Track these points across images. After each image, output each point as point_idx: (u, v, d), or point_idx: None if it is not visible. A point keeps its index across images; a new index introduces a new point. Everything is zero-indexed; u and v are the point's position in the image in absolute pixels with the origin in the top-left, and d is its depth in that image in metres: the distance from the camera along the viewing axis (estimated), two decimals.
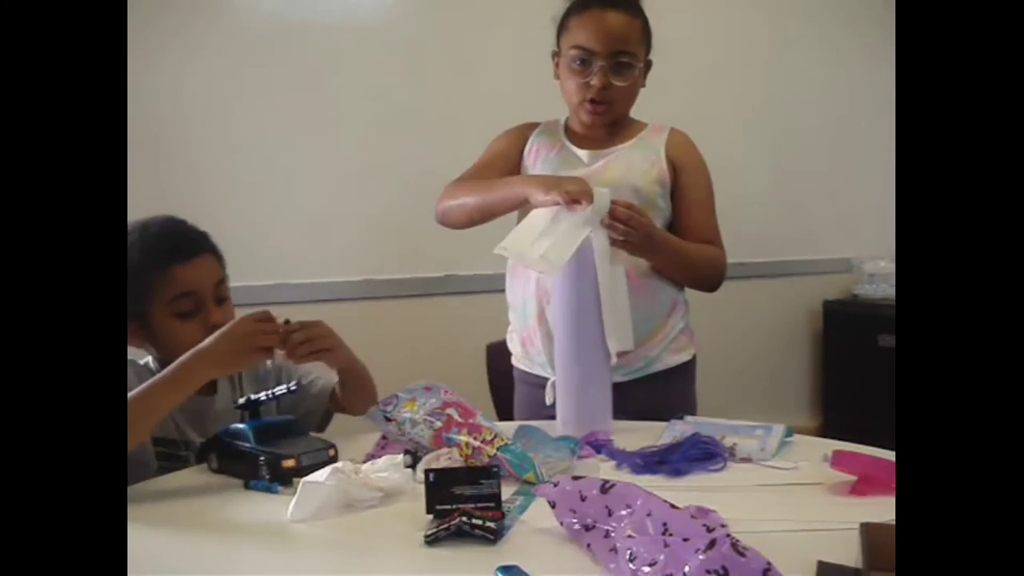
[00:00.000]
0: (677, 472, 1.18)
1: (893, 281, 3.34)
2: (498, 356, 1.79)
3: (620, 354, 1.41)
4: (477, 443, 1.17)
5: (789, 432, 1.33)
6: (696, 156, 1.63)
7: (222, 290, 1.41)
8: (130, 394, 1.21)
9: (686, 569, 0.76)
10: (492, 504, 0.98)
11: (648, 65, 1.59)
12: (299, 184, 2.73)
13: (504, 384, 1.76)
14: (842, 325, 3.45)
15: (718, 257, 1.61)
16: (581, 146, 1.62)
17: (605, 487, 0.92)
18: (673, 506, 0.86)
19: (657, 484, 1.10)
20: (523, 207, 1.51)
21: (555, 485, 0.95)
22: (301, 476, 1.08)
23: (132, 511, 0.91)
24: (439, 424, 1.23)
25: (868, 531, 0.83)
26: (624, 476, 1.17)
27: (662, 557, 0.79)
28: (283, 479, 1.16)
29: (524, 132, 1.68)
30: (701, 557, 0.76)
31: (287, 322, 1.29)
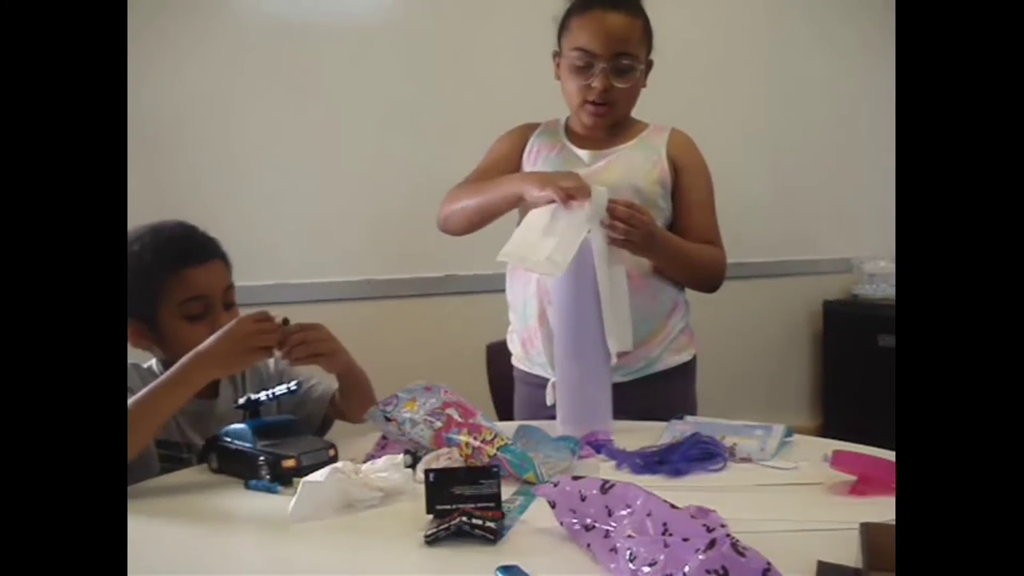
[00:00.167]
0: (677, 472, 1.18)
1: (893, 281, 3.34)
2: (498, 356, 1.79)
3: (620, 354, 1.41)
4: (477, 443, 1.17)
5: (789, 432, 1.33)
6: (697, 156, 1.63)
7: (229, 295, 1.42)
8: (133, 398, 1.22)
9: (686, 569, 0.76)
10: (492, 504, 0.98)
11: (649, 65, 1.59)
12: (299, 184, 2.73)
13: (504, 384, 1.76)
14: (842, 325, 3.45)
15: (718, 257, 1.61)
16: (582, 146, 1.62)
17: (605, 487, 0.92)
18: (673, 506, 0.86)
19: (657, 484, 1.10)
20: (520, 205, 1.51)
21: (555, 485, 0.95)
22: (301, 476, 1.07)
23: (132, 510, 0.91)
24: (439, 424, 1.23)
25: (868, 531, 0.83)
26: (624, 476, 1.17)
27: (662, 557, 0.79)
28: (283, 479, 1.16)
29: (524, 133, 1.68)
30: (701, 557, 0.76)
31: (286, 322, 1.30)
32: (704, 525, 0.81)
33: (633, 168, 1.57)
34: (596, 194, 1.38)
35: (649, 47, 1.58)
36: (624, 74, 1.52)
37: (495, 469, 1.01)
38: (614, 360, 1.41)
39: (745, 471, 1.20)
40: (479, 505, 0.97)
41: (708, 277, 1.61)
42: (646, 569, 0.79)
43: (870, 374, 3.19)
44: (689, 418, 1.43)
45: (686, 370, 1.63)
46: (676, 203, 1.60)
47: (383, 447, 1.30)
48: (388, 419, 1.27)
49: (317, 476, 1.06)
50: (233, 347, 1.24)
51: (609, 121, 1.58)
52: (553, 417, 1.44)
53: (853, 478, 1.09)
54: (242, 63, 2.65)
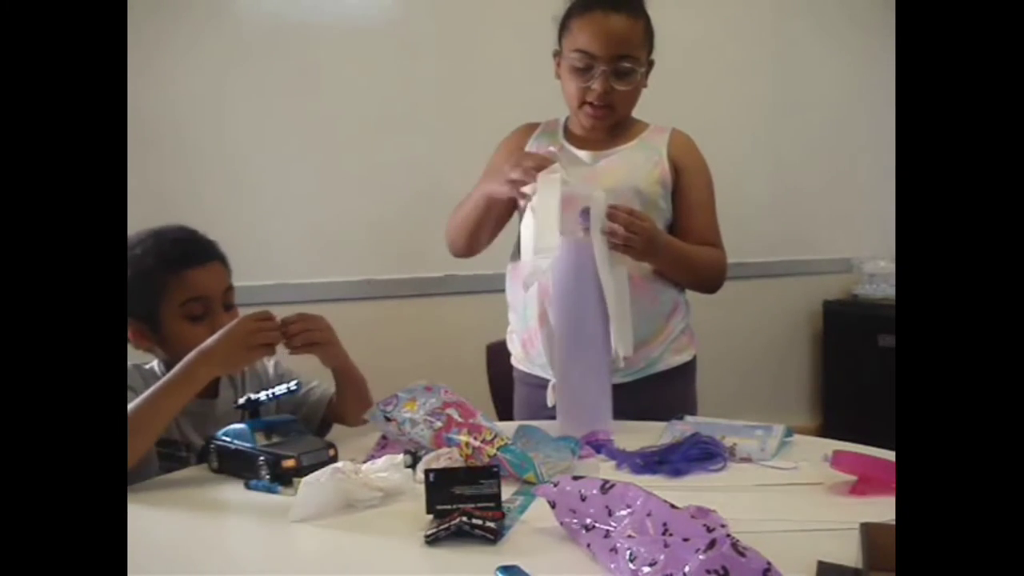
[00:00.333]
0: (677, 472, 1.18)
1: (893, 281, 3.34)
2: (498, 356, 1.79)
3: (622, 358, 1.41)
4: (477, 443, 1.17)
5: (789, 432, 1.33)
6: (698, 157, 1.62)
7: (229, 296, 1.44)
8: (137, 399, 1.23)
9: (686, 569, 0.76)
10: (492, 504, 0.98)
11: (650, 65, 1.58)
12: (299, 185, 2.73)
13: (504, 384, 1.76)
14: (842, 325, 3.45)
15: (719, 259, 1.61)
16: (582, 147, 1.61)
17: (605, 487, 0.92)
18: (673, 506, 0.86)
19: (657, 484, 1.10)
20: (494, 208, 1.52)
21: (555, 485, 0.95)
22: (301, 476, 1.07)
23: (132, 510, 0.91)
24: (439, 424, 1.23)
25: (868, 531, 0.83)
26: (624, 476, 1.17)
27: (662, 557, 0.79)
28: (283, 479, 1.16)
29: (522, 138, 1.67)
30: (701, 557, 0.76)
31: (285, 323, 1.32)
32: (704, 525, 0.81)
33: (634, 169, 1.56)
34: (595, 200, 1.37)
35: (650, 48, 1.57)
36: (624, 76, 1.51)
37: (495, 469, 1.01)
38: (621, 364, 1.41)
39: (745, 471, 1.20)
40: (479, 505, 0.97)
41: (709, 279, 1.61)
42: (646, 569, 0.79)
43: (870, 374, 3.19)
44: (689, 418, 1.43)
45: (686, 370, 1.63)
46: (677, 204, 1.59)
47: (383, 447, 1.30)
48: (388, 419, 1.27)
49: (317, 476, 1.06)
50: (235, 345, 1.26)
51: (609, 123, 1.58)
52: (553, 417, 1.44)
53: (853, 478, 1.09)
54: (241, 63, 2.65)
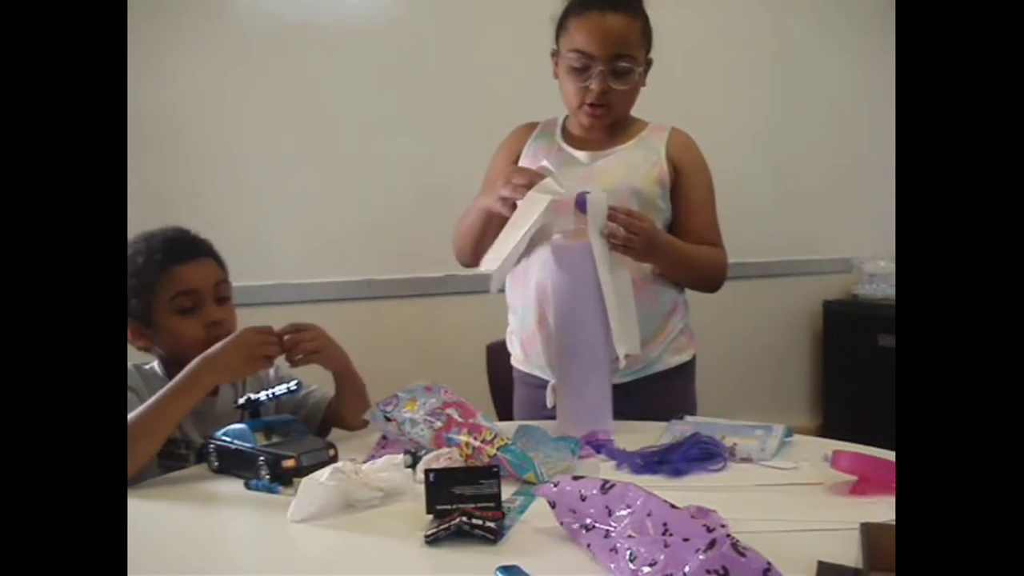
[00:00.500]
0: (677, 472, 1.18)
1: (893, 281, 3.34)
2: (498, 356, 1.79)
3: (626, 357, 1.41)
4: (477, 443, 1.17)
5: (789, 432, 1.33)
6: (697, 156, 1.62)
7: (222, 289, 1.46)
8: (142, 406, 1.26)
9: (686, 569, 0.76)
10: (492, 504, 0.98)
11: (648, 64, 1.57)
12: (299, 184, 2.73)
13: (504, 384, 1.76)
14: (842, 325, 3.45)
15: (719, 258, 1.60)
16: (580, 147, 1.60)
17: (605, 487, 0.92)
18: (673, 506, 0.86)
19: (657, 484, 1.10)
20: (494, 220, 1.53)
21: (555, 485, 0.95)
22: (301, 476, 1.08)
23: (132, 510, 0.91)
24: (439, 424, 1.23)
25: (868, 531, 0.83)
26: (624, 476, 1.17)
27: (662, 557, 0.79)
28: (283, 479, 1.16)
29: (520, 140, 1.66)
30: (701, 557, 0.76)
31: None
32: (704, 525, 0.81)
33: (632, 169, 1.56)
34: (595, 201, 1.37)
35: (648, 47, 1.56)
36: (622, 76, 1.51)
37: (495, 469, 1.01)
38: (622, 364, 1.41)
39: (745, 471, 1.20)
40: (479, 505, 0.97)
41: (709, 278, 1.61)
42: (646, 569, 0.79)
43: (870, 374, 3.18)
44: (689, 418, 1.43)
45: (685, 370, 1.63)
46: (676, 204, 1.59)
47: (383, 447, 1.30)
48: (388, 419, 1.27)
49: (317, 476, 1.06)
50: (238, 354, 1.30)
51: (607, 122, 1.57)
52: (553, 417, 1.44)
53: (853, 478, 1.09)
54: (241, 63, 2.65)
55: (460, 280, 2.80)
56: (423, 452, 1.20)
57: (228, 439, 1.24)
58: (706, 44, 3.16)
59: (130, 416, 1.23)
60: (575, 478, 0.96)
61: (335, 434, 1.47)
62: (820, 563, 0.84)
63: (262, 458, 1.19)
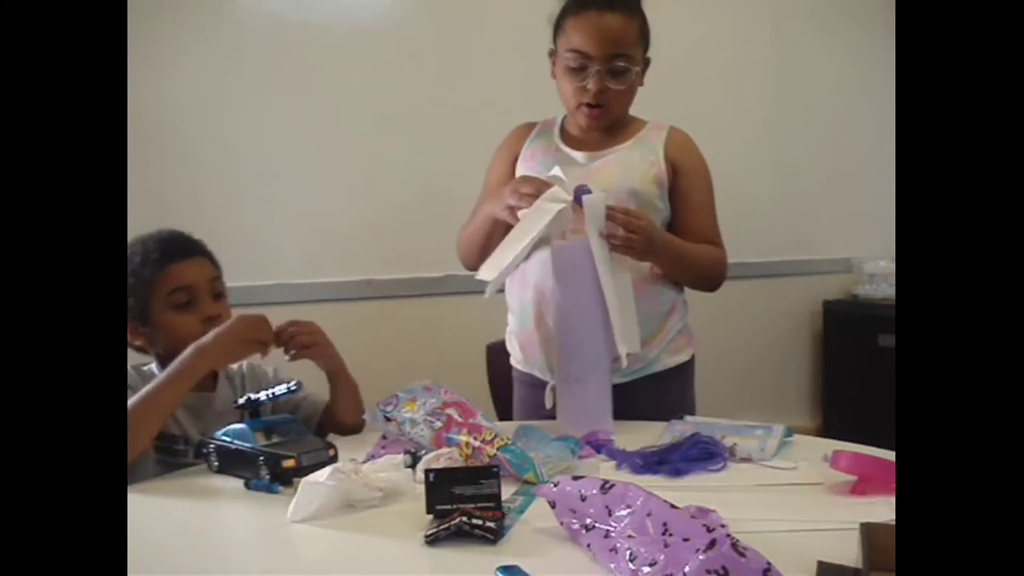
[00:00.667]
0: (677, 472, 1.18)
1: (893, 281, 3.34)
2: (498, 356, 1.79)
3: (626, 356, 1.41)
4: (477, 443, 1.17)
5: (789, 432, 1.33)
6: (696, 156, 1.61)
7: (217, 286, 1.48)
8: (136, 395, 1.27)
9: (686, 569, 0.76)
10: (492, 504, 0.98)
11: (646, 63, 1.57)
12: (299, 184, 2.73)
13: (504, 384, 1.76)
14: (842, 325, 3.45)
15: (719, 257, 1.60)
16: (577, 148, 1.60)
17: (605, 487, 0.92)
18: (673, 506, 0.86)
19: (657, 484, 1.10)
20: (500, 227, 1.53)
21: (555, 485, 0.95)
22: (301, 476, 1.08)
23: (132, 510, 0.91)
24: (439, 424, 1.23)
25: (868, 531, 0.83)
26: (624, 476, 1.17)
27: (662, 557, 0.79)
28: (283, 479, 1.16)
29: (519, 139, 1.66)
30: (701, 557, 0.76)
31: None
32: (704, 525, 0.81)
33: (629, 169, 1.55)
34: (593, 202, 1.37)
35: (646, 46, 1.56)
36: (620, 76, 1.50)
37: (495, 469, 1.01)
38: (624, 363, 1.41)
39: (745, 471, 1.20)
40: (479, 505, 0.97)
41: (709, 277, 1.61)
42: (646, 569, 0.79)
43: (870, 374, 3.18)
44: (689, 418, 1.43)
45: (684, 370, 1.63)
46: (675, 204, 1.59)
47: (383, 447, 1.30)
48: (388, 419, 1.27)
49: (317, 476, 1.06)
50: (230, 339, 1.33)
51: (605, 122, 1.57)
52: (553, 417, 1.44)
53: (853, 478, 1.09)
54: (241, 63, 2.65)
55: (460, 280, 2.79)
56: (423, 452, 1.20)
57: (228, 439, 1.24)
58: (706, 44, 3.16)
59: None
60: (575, 478, 0.96)
61: (334, 434, 1.47)
62: (820, 563, 0.84)
63: (262, 458, 1.19)
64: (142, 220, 1.41)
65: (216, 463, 1.26)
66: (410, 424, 1.25)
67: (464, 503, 0.97)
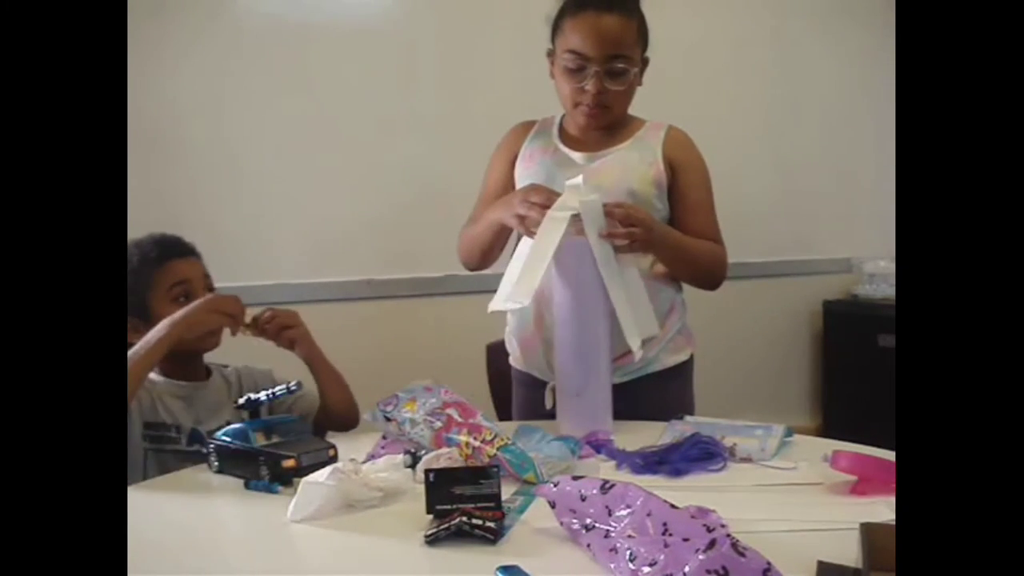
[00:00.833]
0: (677, 472, 1.18)
1: (893, 281, 3.34)
2: (498, 356, 1.79)
3: (625, 355, 1.41)
4: (477, 443, 1.17)
5: (789, 432, 1.33)
6: (695, 155, 1.61)
7: (209, 283, 1.55)
8: None
9: (686, 569, 0.76)
10: (492, 504, 0.98)
11: (645, 63, 1.56)
12: (299, 184, 2.73)
13: (504, 384, 1.76)
14: (842, 325, 3.45)
15: (720, 254, 1.59)
16: (576, 148, 1.60)
17: (605, 487, 0.92)
18: (673, 506, 0.86)
19: (657, 484, 1.10)
20: (505, 232, 1.53)
21: (555, 485, 0.95)
22: (301, 476, 1.08)
23: (132, 510, 0.91)
24: (439, 424, 1.23)
25: (868, 531, 0.83)
26: (624, 476, 1.17)
27: (662, 557, 0.79)
28: (283, 479, 1.16)
29: (518, 138, 1.66)
30: (701, 557, 0.76)
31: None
32: (704, 525, 0.81)
33: (628, 170, 1.55)
34: (590, 204, 1.37)
35: (644, 46, 1.55)
36: (618, 76, 1.50)
37: (495, 469, 1.01)
38: (637, 355, 1.42)
39: (745, 471, 1.20)
40: (479, 505, 0.97)
41: (710, 273, 1.60)
42: (646, 569, 0.79)
43: (870, 374, 3.18)
44: (689, 418, 1.43)
45: (683, 370, 1.63)
46: (675, 203, 1.58)
47: (383, 447, 1.30)
48: (388, 419, 1.27)
49: (317, 476, 1.06)
50: (198, 308, 1.39)
51: (604, 123, 1.56)
52: (553, 417, 1.44)
53: (853, 478, 1.09)
54: (241, 63, 2.65)
55: (460, 280, 2.80)
56: (423, 452, 1.20)
57: (228, 439, 1.24)
58: (706, 44, 3.16)
59: None
60: (575, 478, 0.96)
61: (334, 434, 1.47)
62: (820, 563, 0.84)
63: (262, 458, 1.19)
64: (142, 220, 1.41)
65: (216, 463, 1.26)
66: (410, 424, 1.25)
67: (464, 503, 0.97)
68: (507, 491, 1.06)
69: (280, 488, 1.15)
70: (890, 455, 1.13)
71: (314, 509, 1.04)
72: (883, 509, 0.98)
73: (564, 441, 1.25)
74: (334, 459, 1.20)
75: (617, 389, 1.44)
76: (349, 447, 1.27)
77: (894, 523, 0.72)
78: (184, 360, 1.47)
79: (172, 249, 1.53)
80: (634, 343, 1.40)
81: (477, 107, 2.75)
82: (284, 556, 0.98)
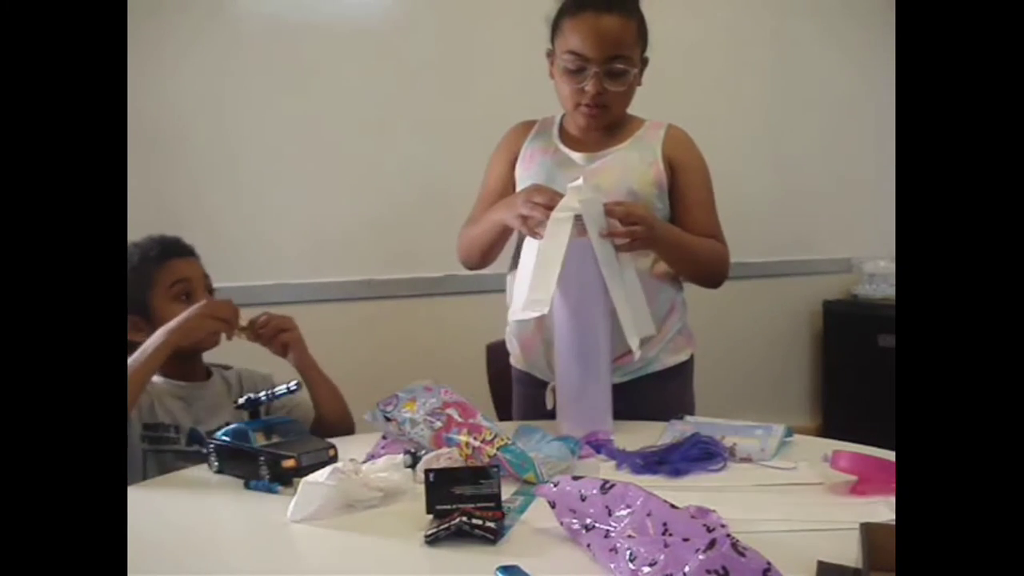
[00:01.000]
0: (677, 472, 1.18)
1: (893, 281, 3.34)
2: (498, 356, 1.79)
3: (625, 354, 1.41)
4: (477, 443, 1.17)
5: (789, 432, 1.33)
6: (694, 154, 1.60)
7: (208, 283, 1.58)
8: None
9: (686, 569, 0.76)
10: (492, 504, 0.98)
11: (645, 63, 1.56)
12: (299, 184, 2.73)
13: (504, 384, 1.76)
14: (842, 325, 3.45)
15: (721, 252, 1.59)
16: (576, 148, 1.59)
17: (605, 487, 0.92)
18: (673, 506, 0.86)
19: (657, 484, 1.10)
20: (507, 233, 1.52)
21: (555, 485, 0.95)
22: (301, 476, 1.08)
23: (132, 510, 0.91)
24: (439, 424, 1.23)
25: (868, 531, 0.83)
26: (624, 476, 1.17)
27: (662, 557, 0.79)
28: (283, 479, 1.16)
29: (517, 142, 1.65)
30: (701, 557, 0.76)
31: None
32: (704, 525, 0.81)
33: (628, 170, 1.54)
34: (591, 203, 1.37)
35: (644, 46, 1.55)
36: (618, 77, 1.49)
37: (495, 469, 1.01)
38: (637, 355, 1.42)
39: (745, 471, 1.20)
40: (479, 505, 0.97)
41: (712, 271, 1.59)
42: (646, 569, 0.79)
43: (870, 374, 3.18)
44: (689, 418, 1.43)
45: (683, 370, 1.62)
46: (675, 203, 1.58)
47: (383, 447, 1.30)
48: (388, 419, 1.27)
49: (317, 476, 1.06)
50: (194, 315, 1.40)
51: (604, 123, 1.56)
52: (553, 417, 1.44)
53: (853, 478, 1.09)
54: (241, 63, 2.65)
55: (460, 280, 2.80)
56: (423, 452, 1.20)
57: (228, 439, 1.24)
58: (706, 44, 3.16)
59: None
60: (575, 478, 0.96)
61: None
62: (820, 563, 0.84)
63: (262, 458, 1.19)
64: (142, 220, 1.42)
65: (216, 463, 1.26)
66: (410, 424, 1.25)
67: (464, 503, 0.97)
68: (507, 491, 1.06)
69: (280, 488, 1.15)
70: (890, 455, 1.13)
71: (314, 509, 1.04)
72: (883, 509, 0.98)
73: (564, 441, 1.25)
74: (334, 459, 1.20)
75: (617, 389, 1.44)
76: (349, 447, 1.27)
77: (894, 523, 0.72)
78: (183, 360, 1.47)
79: (172, 248, 1.55)
80: (634, 343, 1.41)
81: (477, 107, 2.75)
82: (284, 556, 0.98)
